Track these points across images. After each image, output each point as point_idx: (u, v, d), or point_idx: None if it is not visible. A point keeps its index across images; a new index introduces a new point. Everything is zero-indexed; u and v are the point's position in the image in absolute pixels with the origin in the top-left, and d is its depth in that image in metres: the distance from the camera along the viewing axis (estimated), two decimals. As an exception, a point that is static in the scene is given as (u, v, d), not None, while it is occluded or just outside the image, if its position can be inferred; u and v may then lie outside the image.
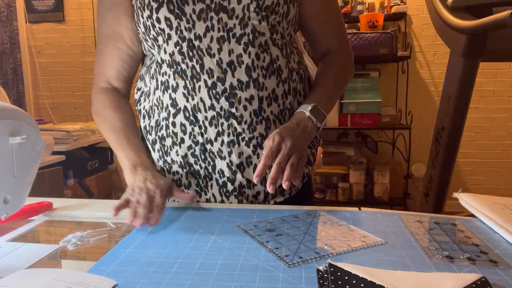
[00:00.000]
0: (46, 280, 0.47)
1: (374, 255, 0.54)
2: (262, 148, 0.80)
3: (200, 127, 0.79)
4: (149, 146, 0.87)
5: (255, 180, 0.70)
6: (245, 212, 0.73)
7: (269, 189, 0.69)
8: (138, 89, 0.90)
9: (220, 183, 0.82)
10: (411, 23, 3.22)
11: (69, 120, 3.59)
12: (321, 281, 0.46)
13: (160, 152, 0.84)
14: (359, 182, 3.07)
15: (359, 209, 0.73)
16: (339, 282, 0.45)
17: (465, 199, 0.73)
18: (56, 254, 0.59)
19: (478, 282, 0.44)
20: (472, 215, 0.70)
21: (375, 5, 3.07)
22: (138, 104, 0.90)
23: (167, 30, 0.77)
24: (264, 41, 0.79)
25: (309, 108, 0.79)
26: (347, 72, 0.93)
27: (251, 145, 0.80)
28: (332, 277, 0.46)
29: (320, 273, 0.48)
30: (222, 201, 0.83)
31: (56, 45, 3.67)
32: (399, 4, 3.06)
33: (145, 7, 0.78)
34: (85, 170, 2.67)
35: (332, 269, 0.48)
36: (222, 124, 0.78)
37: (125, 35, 0.85)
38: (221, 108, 0.78)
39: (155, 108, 0.84)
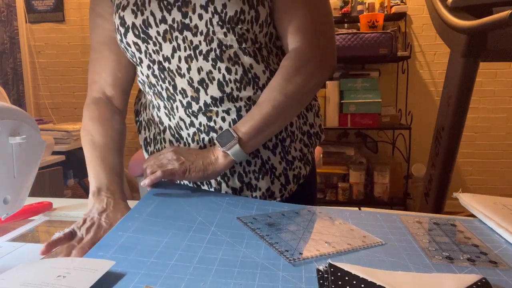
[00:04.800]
0: (44, 269, 0.47)
1: (374, 256, 0.54)
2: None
3: (184, 144, 0.81)
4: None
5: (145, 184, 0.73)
6: (244, 202, 0.72)
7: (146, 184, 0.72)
8: (139, 99, 0.91)
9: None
10: (411, 23, 3.22)
11: (69, 120, 3.59)
12: (321, 281, 0.46)
13: None
14: (359, 182, 3.07)
15: (359, 209, 0.73)
16: (339, 283, 0.45)
17: (465, 199, 0.73)
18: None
19: (479, 283, 0.44)
20: (472, 215, 0.70)
21: (375, 5, 3.07)
22: (139, 115, 0.90)
23: (137, 54, 0.77)
24: (234, 53, 0.75)
25: (223, 148, 0.73)
26: (301, 74, 0.75)
27: None
28: (332, 277, 0.46)
29: (320, 273, 0.48)
30: None
31: (56, 45, 3.67)
32: (399, 4, 3.06)
33: (116, 31, 0.78)
34: (85, 170, 2.66)
35: (332, 269, 0.48)
36: (203, 139, 0.79)
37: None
38: (200, 123, 0.78)
39: (151, 122, 0.86)
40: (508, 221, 0.62)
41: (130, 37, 0.76)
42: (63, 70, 3.70)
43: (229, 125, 0.77)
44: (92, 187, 0.72)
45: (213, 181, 0.81)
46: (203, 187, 0.82)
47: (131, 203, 0.82)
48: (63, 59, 3.68)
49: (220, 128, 0.78)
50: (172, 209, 0.66)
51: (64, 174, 2.33)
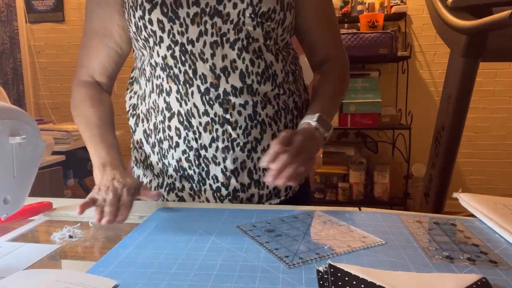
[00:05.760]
0: (46, 280, 0.47)
1: (374, 256, 0.54)
2: (256, 152, 0.80)
3: (194, 133, 0.79)
4: (149, 149, 0.86)
5: (263, 164, 0.66)
6: (244, 212, 0.73)
7: (268, 179, 0.66)
8: (135, 93, 0.89)
9: (214, 188, 0.81)
10: (411, 23, 3.22)
11: (69, 120, 3.58)
12: (321, 282, 0.46)
13: (159, 155, 0.84)
14: (359, 182, 3.07)
15: (359, 209, 0.73)
16: (339, 283, 0.45)
17: (465, 199, 0.73)
18: (56, 254, 0.59)
19: (479, 283, 0.44)
20: (472, 215, 0.70)
21: (375, 5, 3.07)
22: (136, 108, 0.88)
23: (159, 33, 0.76)
24: (258, 47, 0.78)
25: (315, 118, 0.75)
26: (346, 80, 0.92)
27: (245, 150, 0.79)
28: (332, 278, 0.46)
29: (320, 274, 0.48)
30: None
31: (56, 45, 3.67)
32: (399, 4, 3.06)
33: (138, 7, 0.76)
34: (85, 170, 2.67)
35: (332, 270, 0.48)
36: (216, 130, 0.77)
37: (115, 32, 0.84)
38: (215, 114, 0.77)
39: (152, 111, 0.83)
40: (508, 221, 0.62)
41: (156, 14, 0.74)
42: (63, 70, 3.70)
43: (245, 120, 0.77)
44: (97, 164, 0.77)
45: (220, 176, 0.80)
46: (208, 181, 0.81)
47: (131, 203, 0.83)
48: (63, 59, 3.68)
49: (236, 121, 0.77)
50: (171, 226, 0.66)
51: (64, 174, 2.33)
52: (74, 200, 0.83)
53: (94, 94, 0.86)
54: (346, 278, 0.45)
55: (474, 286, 0.44)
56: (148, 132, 0.85)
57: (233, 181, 0.80)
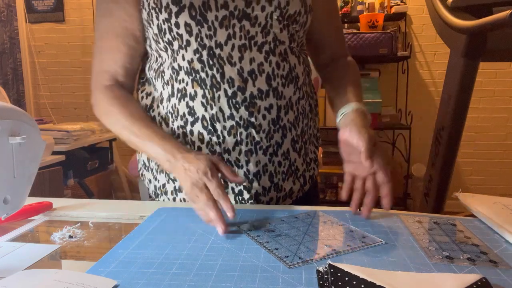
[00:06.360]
0: (46, 280, 0.47)
1: (374, 256, 0.54)
2: (277, 156, 0.80)
3: (218, 137, 0.77)
4: None
5: (344, 198, 0.73)
6: (244, 212, 0.73)
7: (364, 213, 0.70)
8: (148, 94, 0.85)
9: (236, 192, 0.80)
10: (411, 23, 3.22)
11: (69, 120, 3.59)
12: (321, 282, 0.46)
13: None
14: (359, 182, 3.07)
15: (359, 210, 0.73)
16: (339, 283, 0.45)
17: (465, 199, 0.73)
18: (56, 254, 0.59)
19: (479, 283, 0.44)
20: (472, 215, 0.70)
21: (375, 5, 3.07)
22: (151, 110, 0.84)
23: (185, 36, 0.74)
24: (284, 50, 0.78)
25: (363, 108, 0.79)
26: (358, 73, 0.94)
27: (268, 153, 0.79)
28: (332, 278, 0.46)
29: (320, 274, 0.48)
30: None
31: (56, 45, 3.67)
32: (399, 4, 3.06)
33: (162, 9, 0.73)
34: (85, 170, 2.67)
35: (332, 270, 0.48)
36: (240, 133, 0.77)
37: (137, 31, 0.80)
38: (240, 117, 0.76)
39: (169, 115, 0.80)
40: (508, 221, 0.62)
41: (184, 17, 0.72)
42: (63, 70, 3.70)
43: (268, 124, 0.77)
44: (163, 159, 0.72)
45: (244, 178, 0.78)
46: (230, 184, 0.79)
47: (131, 203, 0.83)
48: (63, 59, 3.68)
49: (260, 125, 0.77)
50: (171, 226, 0.66)
51: (64, 174, 2.33)
52: (74, 200, 0.83)
53: (121, 95, 0.82)
54: (346, 278, 0.45)
55: (474, 286, 0.44)
56: None
57: (255, 184, 0.80)
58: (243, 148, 0.77)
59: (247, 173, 0.79)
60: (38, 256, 0.57)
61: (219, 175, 0.69)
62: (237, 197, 0.81)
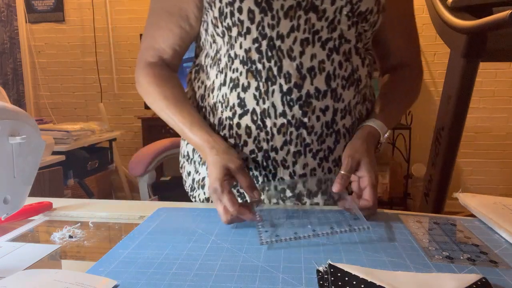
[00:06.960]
0: (46, 280, 0.47)
1: (374, 256, 0.54)
2: (327, 162, 0.77)
3: (266, 133, 0.74)
4: None
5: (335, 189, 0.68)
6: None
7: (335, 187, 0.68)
8: (202, 83, 0.82)
9: (279, 189, 0.78)
10: (411, 23, 3.22)
11: (69, 120, 3.59)
12: (321, 282, 0.46)
13: None
14: (359, 182, 3.07)
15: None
16: (339, 283, 0.45)
17: (465, 199, 0.73)
18: (56, 254, 0.59)
19: (479, 283, 0.44)
20: (472, 215, 0.70)
21: (375, 5, 3.07)
22: (203, 100, 0.82)
23: (246, 23, 0.70)
24: (349, 49, 0.74)
25: (385, 133, 0.75)
26: (417, 89, 0.90)
27: (317, 157, 0.75)
28: (332, 278, 0.46)
29: (320, 274, 0.48)
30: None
31: (56, 45, 3.67)
32: (399, 4, 3.06)
33: None
34: (85, 170, 2.67)
35: (332, 270, 0.48)
36: (291, 133, 0.73)
37: (191, 13, 0.77)
38: (292, 116, 0.72)
39: (219, 105, 0.77)
40: (508, 221, 0.62)
41: (248, 3, 0.68)
42: (63, 70, 3.70)
43: (321, 126, 0.74)
44: (206, 150, 0.71)
45: (287, 179, 0.77)
46: (273, 182, 0.78)
47: (131, 203, 0.83)
48: (63, 59, 3.68)
49: (312, 126, 0.73)
50: (171, 226, 0.66)
51: (64, 174, 2.33)
52: (74, 200, 0.83)
53: (162, 73, 0.80)
54: (346, 278, 0.45)
55: (474, 286, 0.44)
56: (212, 127, 0.80)
57: (299, 185, 0.77)
58: (292, 148, 0.74)
59: (292, 174, 0.76)
60: (38, 256, 0.57)
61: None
62: (279, 194, 0.78)
